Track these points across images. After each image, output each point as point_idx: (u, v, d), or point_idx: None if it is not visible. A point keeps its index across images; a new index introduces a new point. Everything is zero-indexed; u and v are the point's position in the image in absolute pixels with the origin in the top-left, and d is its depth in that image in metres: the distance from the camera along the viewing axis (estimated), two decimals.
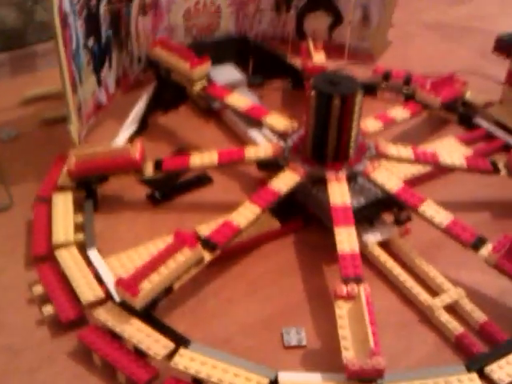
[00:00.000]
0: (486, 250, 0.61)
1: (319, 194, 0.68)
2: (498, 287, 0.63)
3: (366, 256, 0.66)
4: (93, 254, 0.65)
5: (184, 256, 0.59)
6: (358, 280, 0.58)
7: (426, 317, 0.61)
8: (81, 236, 0.68)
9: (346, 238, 0.62)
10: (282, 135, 0.76)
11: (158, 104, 0.91)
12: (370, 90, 0.94)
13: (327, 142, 0.68)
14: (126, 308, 0.57)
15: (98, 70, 0.83)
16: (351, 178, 0.69)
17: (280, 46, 1.02)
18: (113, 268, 0.64)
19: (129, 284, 0.56)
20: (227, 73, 0.92)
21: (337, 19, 0.98)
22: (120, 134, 0.83)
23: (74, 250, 0.66)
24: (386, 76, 0.96)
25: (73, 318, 0.59)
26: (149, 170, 0.74)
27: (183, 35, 0.95)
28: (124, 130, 0.84)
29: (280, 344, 0.58)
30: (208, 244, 0.62)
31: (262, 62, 0.97)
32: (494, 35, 0.89)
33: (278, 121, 0.78)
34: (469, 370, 0.52)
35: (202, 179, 0.79)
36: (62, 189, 0.73)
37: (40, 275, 0.64)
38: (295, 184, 0.68)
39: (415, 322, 0.61)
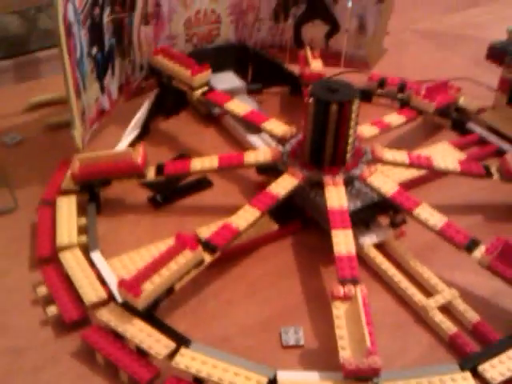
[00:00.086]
0: (480, 251, 0.62)
1: (317, 197, 0.69)
2: (490, 288, 0.64)
3: (362, 258, 0.67)
4: (96, 255, 0.66)
5: (185, 258, 0.59)
6: (354, 281, 0.59)
7: (420, 317, 0.62)
8: (84, 238, 0.69)
9: (342, 240, 0.63)
10: (281, 140, 0.77)
11: (160, 110, 0.92)
12: (366, 96, 0.95)
13: (325, 147, 0.69)
14: (128, 308, 0.58)
15: (101, 77, 0.84)
16: (348, 182, 0.70)
17: (278, 53, 1.03)
18: (115, 269, 0.65)
19: (131, 285, 0.57)
20: (227, 80, 0.94)
21: (334, 28, 0.99)
22: (123, 139, 0.84)
23: (78, 252, 0.66)
24: (382, 83, 0.97)
25: (76, 319, 0.60)
26: (151, 174, 0.74)
27: (184, 44, 0.95)
28: (126, 135, 0.85)
29: (278, 344, 0.59)
30: (208, 246, 0.63)
31: (261, 69, 0.99)
32: (487, 43, 0.90)
33: (277, 126, 0.79)
34: (462, 368, 0.53)
35: (202, 183, 0.80)
36: (65, 192, 0.74)
37: (44, 277, 0.64)
38: (293, 188, 0.69)
39: (410, 323, 0.62)
